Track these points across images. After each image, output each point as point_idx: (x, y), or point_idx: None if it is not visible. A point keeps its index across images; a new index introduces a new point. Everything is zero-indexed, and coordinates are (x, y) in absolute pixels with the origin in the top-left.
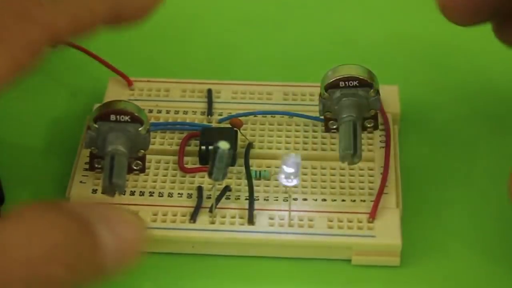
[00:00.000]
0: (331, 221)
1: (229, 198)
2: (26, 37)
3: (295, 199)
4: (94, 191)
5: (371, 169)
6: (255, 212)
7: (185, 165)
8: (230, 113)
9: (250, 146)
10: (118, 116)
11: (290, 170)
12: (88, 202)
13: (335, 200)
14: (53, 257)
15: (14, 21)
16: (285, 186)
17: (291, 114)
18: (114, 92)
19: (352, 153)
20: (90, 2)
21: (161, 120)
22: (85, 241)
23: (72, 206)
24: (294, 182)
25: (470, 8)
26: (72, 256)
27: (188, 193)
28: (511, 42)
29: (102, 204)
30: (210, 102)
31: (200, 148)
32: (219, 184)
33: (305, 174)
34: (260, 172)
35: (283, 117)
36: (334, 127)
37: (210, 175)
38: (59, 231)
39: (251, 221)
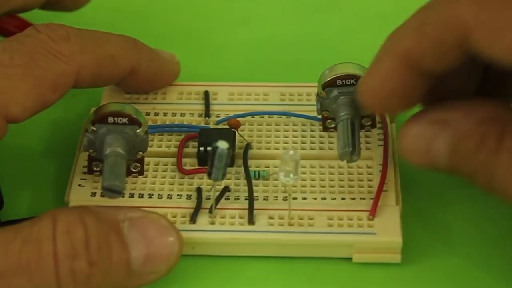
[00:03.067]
0: (331, 219)
1: (229, 199)
2: (54, 72)
3: (295, 198)
4: (93, 194)
5: (370, 167)
6: (254, 212)
7: (184, 167)
8: (227, 114)
9: (248, 146)
10: (116, 118)
11: (289, 167)
12: (121, 206)
13: (334, 199)
14: (76, 253)
15: (45, 59)
16: (285, 185)
17: (288, 114)
18: (111, 95)
19: (351, 151)
20: (112, 49)
21: (159, 123)
22: (111, 239)
23: (101, 208)
24: (294, 179)
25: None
26: (95, 252)
27: (187, 195)
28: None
29: (134, 207)
30: (207, 104)
31: (198, 150)
32: (218, 185)
33: (304, 173)
34: (259, 172)
35: (280, 117)
36: (332, 126)
37: (209, 175)
38: (82, 228)
39: (251, 221)
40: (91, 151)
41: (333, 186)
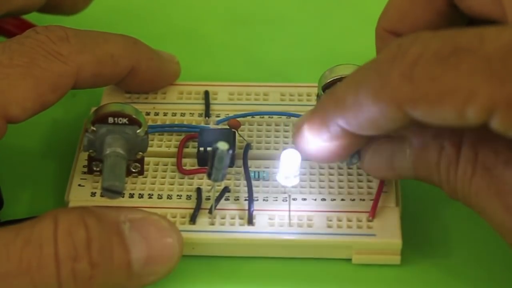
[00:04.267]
0: (331, 220)
1: (229, 199)
2: (54, 72)
3: (295, 199)
4: (93, 194)
5: None
6: (254, 212)
7: (184, 167)
8: (227, 114)
9: (248, 147)
10: (116, 119)
11: (289, 168)
12: (121, 206)
13: (334, 200)
14: (78, 254)
15: (44, 59)
16: (285, 186)
17: (288, 115)
18: (111, 95)
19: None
20: (111, 48)
21: (159, 123)
22: (112, 241)
23: (102, 209)
24: (294, 181)
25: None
26: (97, 254)
27: (187, 195)
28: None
29: (134, 208)
30: (207, 104)
31: (198, 150)
32: (218, 185)
33: (304, 174)
34: (259, 172)
35: (280, 117)
36: None
37: (209, 176)
38: (84, 229)
39: (250, 221)
40: (91, 151)
41: (332, 187)
